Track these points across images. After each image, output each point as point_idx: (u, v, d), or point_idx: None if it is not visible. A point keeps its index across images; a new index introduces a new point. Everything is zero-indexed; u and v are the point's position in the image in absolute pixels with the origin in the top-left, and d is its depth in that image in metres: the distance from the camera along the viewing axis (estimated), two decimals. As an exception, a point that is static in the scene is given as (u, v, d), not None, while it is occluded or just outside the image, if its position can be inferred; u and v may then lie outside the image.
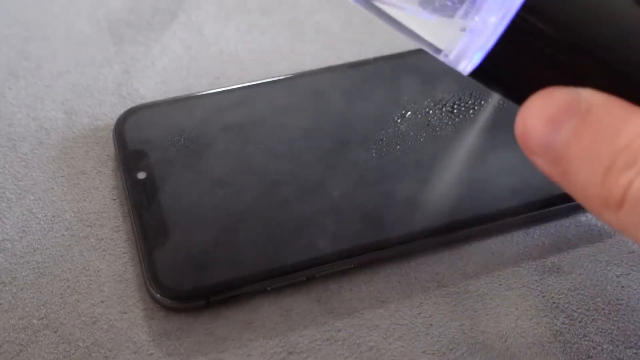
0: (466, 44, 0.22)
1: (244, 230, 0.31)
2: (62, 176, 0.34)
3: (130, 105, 0.36)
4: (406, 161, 0.34)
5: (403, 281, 0.31)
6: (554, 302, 0.31)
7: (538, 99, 0.21)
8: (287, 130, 0.35)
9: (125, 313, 0.30)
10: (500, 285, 0.32)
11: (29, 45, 0.39)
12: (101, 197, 0.33)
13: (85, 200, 0.33)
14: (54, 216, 0.33)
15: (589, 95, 0.21)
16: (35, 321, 0.29)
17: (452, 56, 0.23)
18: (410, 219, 0.32)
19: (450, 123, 0.35)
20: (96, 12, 0.41)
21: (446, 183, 0.33)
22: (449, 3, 0.22)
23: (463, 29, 0.22)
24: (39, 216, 0.33)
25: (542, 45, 0.21)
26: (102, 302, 0.30)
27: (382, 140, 0.34)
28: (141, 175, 0.33)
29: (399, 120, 0.35)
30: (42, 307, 0.30)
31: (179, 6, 0.42)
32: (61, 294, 0.30)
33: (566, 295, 0.31)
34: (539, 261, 0.32)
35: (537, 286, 0.32)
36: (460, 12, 0.22)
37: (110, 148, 0.35)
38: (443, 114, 0.36)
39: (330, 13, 0.42)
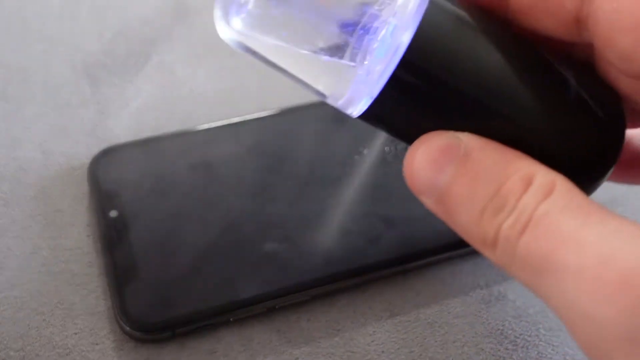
0: (353, 91, 0.24)
1: (208, 265, 0.33)
2: (39, 214, 0.36)
3: (105, 145, 0.38)
4: (362, 197, 0.36)
5: (358, 311, 0.34)
6: (499, 329, 0.33)
7: (421, 143, 0.23)
8: (252, 168, 0.37)
9: (97, 344, 0.32)
10: (449, 313, 0.34)
11: (8, 88, 0.41)
12: (76, 233, 0.36)
13: (60, 237, 0.35)
14: (31, 253, 0.35)
15: (467, 140, 0.23)
16: (12, 353, 0.31)
17: (340, 103, 0.24)
18: (365, 252, 0.34)
19: (402, 159, 0.38)
20: (73, 56, 0.43)
21: (399, 218, 0.35)
22: (336, 45, 0.24)
23: (348, 77, 0.24)
24: (17, 253, 0.35)
25: (422, 92, 0.23)
26: (76, 334, 0.32)
27: (340, 177, 0.37)
28: (113, 213, 0.35)
29: (356, 157, 0.38)
30: (19, 339, 0.32)
31: (152, 49, 0.44)
32: (37, 327, 0.32)
33: (510, 322, 0.34)
34: (485, 290, 0.35)
35: (484, 314, 0.34)
36: (346, 55, 0.24)
37: (85, 187, 0.37)
38: (397, 151, 0.38)
39: (295, 54, 0.44)
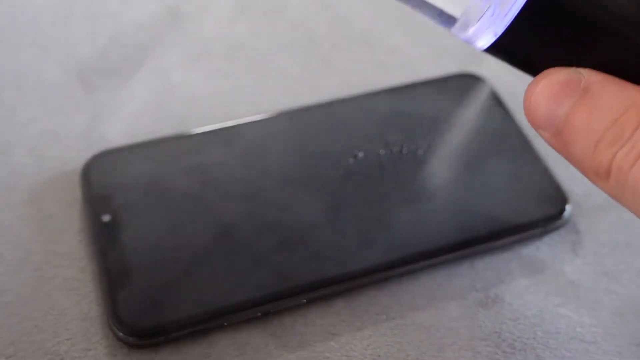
0: (491, 13, 0.24)
1: (202, 269, 0.33)
2: (31, 219, 0.36)
3: (98, 150, 0.38)
4: (356, 201, 0.36)
5: (354, 314, 0.33)
6: (496, 332, 0.33)
7: (542, 77, 0.24)
8: (246, 172, 0.37)
9: (89, 350, 0.32)
10: (445, 316, 0.34)
11: (1, 94, 0.41)
12: (68, 239, 0.35)
13: (53, 242, 0.35)
14: (23, 258, 0.34)
15: (587, 75, 0.23)
16: (3, 359, 0.31)
17: (469, 31, 0.24)
18: (361, 255, 0.34)
19: (399, 163, 0.37)
20: (66, 61, 0.43)
21: (393, 220, 0.35)
22: None
23: (480, 3, 0.24)
24: (9, 258, 0.34)
25: (551, 24, 0.24)
26: (68, 339, 0.32)
27: (334, 180, 0.37)
28: (106, 217, 0.35)
29: (351, 161, 0.37)
30: (10, 345, 0.31)
31: (146, 54, 0.44)
32: (29, 332, 0.32)
33: (507, 325, 0.33)
34: (482, 292, 0.34)
35: (480, 317, 0.34)
36: None
37: (78, 192, 0.37)
38: (393, 154, 0.38)
39: (289, 58, 0.44)
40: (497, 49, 0.25)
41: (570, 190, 0.37)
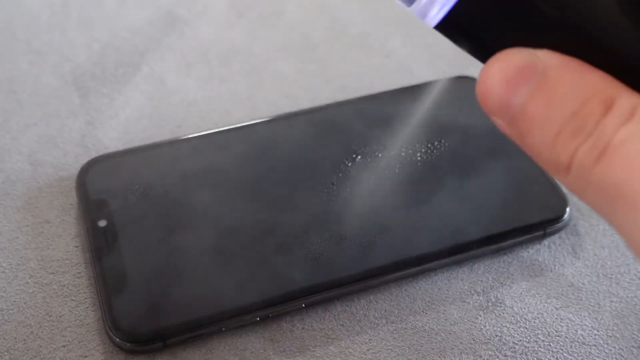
0: None
1: (199, 274, 0.33)
2: (26, 225, 0.35)
3: (94, 155, 0.38)
4: (355, 204, 0.36)
5: (353, 319, 0.33)
6: (497, 335, 0.33)
7: (497, 60, 0.22)
8: (243, 176, 0.36)
9: (86, 357, 0.31)
10: (445, 320, 0.33)
11: (-3, 100, 0.41)
12: (64, 244, 0.35)
13: (49, 248, 0.35)
14: (19, 264, 0.34)
15: (545, 57, 0.21)
16: (-1, 367, 0.31)
17: (419, 5, 0.23)
18: (359, 259, 0.34)
19: (397, 166, 0.37)
20: (62, 67, 0.43)
21: (392, 224, 0.35)
22: None
23: None
24: (4, 265, 0.34)
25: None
26: (64, 346, 0.31)
27: (332, 183, 0.36)
28: (102, 223, 0.34)
29: (349, 164, 0.37)
30: (5, 353, 0.31)
31: (142, 59, 0.44)
32: (24, 339, 0.32)
33: (508, 328, 0.33)
34: (482, 296, 0.34)
35: (481, 320, 0.33)
36: None
37: (74, 197, 0.36)
38: (391, 158, 0.37)
39: (286, 62, 0.44)
40: (450, 25, 0.23)
41: (570, 193, 0.37)
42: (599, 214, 0.22)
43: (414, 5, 0.23)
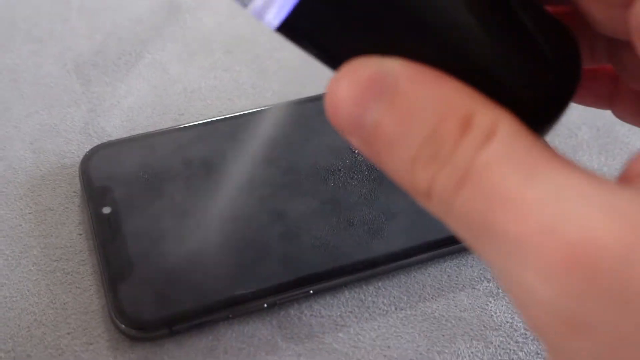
0: None
1: (205, 260, 0.32)
2: (29, 213, 0.35)
3: (96, 143, 0.37)
4: (362, 190, 0.35)
5: (362, 305, 0.33)
6: (508, 322, 0.32)
7: (344, 74, 0.19)
8: (247, 163, 0.36)
9: (91, 344, 0.31)
10: (455, 306, 0.33)
11: (-2, 88, 0.40)
12: (68, 232, 0.34)
13: (52, 235, 0.34)
14: (22, 252, 0.33)
15: (396, 68, 0.19)
16: (2, 354, 0.30)
17: (255, 5, 0.20)
18: (368, 245, 0.33)
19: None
20: (63, 55, 0.42)
21: (400, 210, 0.34)
22: None
23: None
24: (7, 252, 0.33)
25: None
26: (69, 333, 0.31)
27: (339, 170, 0.36)
28: (106, 210, 0.34)
29: (356, 151, 0.37)
30: (9, 340, 0.31)
31: (144, 48, 0.43)
32: (28, 327, 0.31)
33: (519, 314, 0.33)
34: (492, 282, 0.34)
35: (492, 306, 0.33)
36: None
37: (77, 185, 0.36)
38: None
39: (290, 50, 0.44)
40: (291, 29, 0.20)
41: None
42: (468, 246, 0.19)
43: (250, 6, 0.20)
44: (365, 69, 0.19)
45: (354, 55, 0.19)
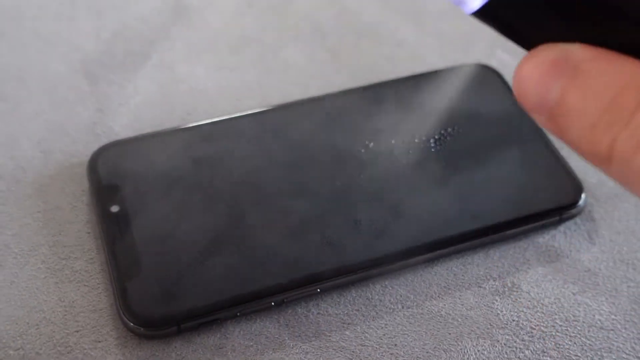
0: None
1: (213, 258, 0.32)
2: (38, 212, 0.35)
3: (104, 142, 0.37)
4: (369, 190, 0.35)
5: (368, 304, 0.33)
6: (514, 320, 0.32)
7: (531, 57, 0.22)
8: (254, 162, 0.36)
9: (99, 342, 0.31)
10: (462, 305, 0.33)
11: (6, 87, 0.41)
12: (76, 230, 0.35)
13: (60, 234, 0.34)
14: (30, 250, 0.34)
15: (578, 51, 0.22)
16: (11, 352, 0.30)
17: None
18: (374, 244, 0.33)
19: (411, 152, 0.37)
20: (71, 55, 0.43)
21: (408, 209, 0.34)
22: None
23: None
24: (16, 250, 0.34)
25: None
26: (77, 331, 0.31)
27: (345, 170, 0.36)
28: (114, 208, 0.34)
29: (362, 151, 0.37)
30: (18, 338, 0.31)
31: (151, 48, 0.43)
32: (37, 324, 0.31)
33: (525, 313, 0.33)
34: (498, 281, 0.34)
35: (498, 305, 0.33)
36: None
37: (85, 184, 0.36)
38: (405, 144, 0.37)
39: (296, 50, 0.44)
40: (488, 13, 0.23)
41: (585, 179, 0.37)
42: None
43: None
44: (550, 52, 0.22)
45: (543, 40, 0.22)
